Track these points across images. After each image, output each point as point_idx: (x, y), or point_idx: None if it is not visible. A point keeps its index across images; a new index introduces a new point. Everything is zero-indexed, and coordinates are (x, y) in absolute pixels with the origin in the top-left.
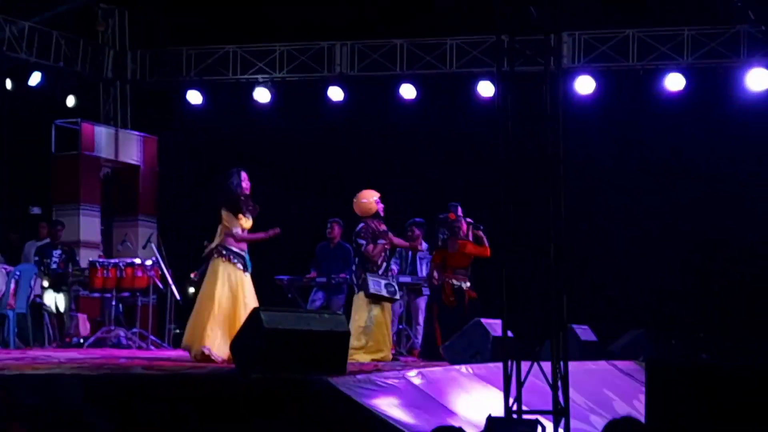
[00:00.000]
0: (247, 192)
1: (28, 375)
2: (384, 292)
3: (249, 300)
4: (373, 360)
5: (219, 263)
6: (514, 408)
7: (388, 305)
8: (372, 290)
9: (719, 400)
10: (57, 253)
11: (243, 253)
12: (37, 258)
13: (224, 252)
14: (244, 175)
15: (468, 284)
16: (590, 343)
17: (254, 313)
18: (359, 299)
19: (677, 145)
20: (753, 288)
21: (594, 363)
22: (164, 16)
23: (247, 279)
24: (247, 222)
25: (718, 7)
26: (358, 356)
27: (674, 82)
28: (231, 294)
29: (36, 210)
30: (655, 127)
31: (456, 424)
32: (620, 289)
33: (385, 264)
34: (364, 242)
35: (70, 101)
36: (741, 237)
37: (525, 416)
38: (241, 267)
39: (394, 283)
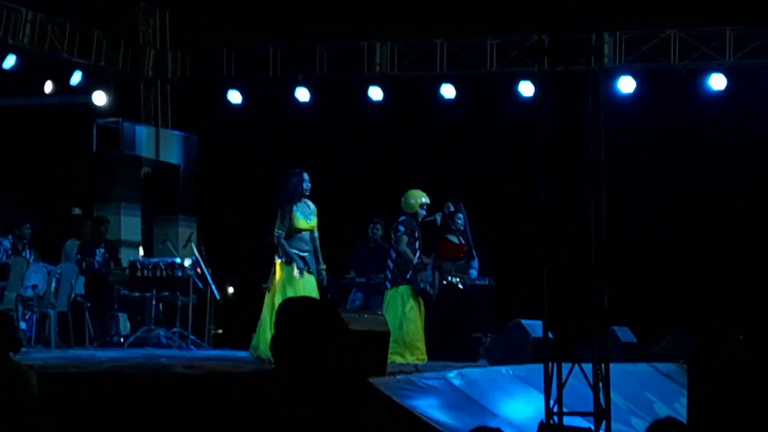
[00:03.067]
0: (308, 193)
1: (69, 374)
2: (429, 290)
3: None
4: (416, 360)
5: (277, 265)
6: (555, 410)
7: (422, 303)
8: (422, 285)
9: (763, 402)
10: (101, 251)
11: (302, 254)
12: (79, 256)
13: (280, 253)
14: (305, 176)
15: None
16: (630, 344)
17: None
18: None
19: (719, 145)
20: None
21: (634, 365)
22: (204, 16)
23: (306, 280)
24: (306, 223)
25: (761, 7)
26: (396, 357)
27: (716, 82)
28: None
29: (77, 211)
30: (696, 128)
31: (496, 425)
32: (661, 291)
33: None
34: (402, 229)
35: (110, 100)
36: None
37: (566, 418)
38: (300, 267)
39: (437, 283)
